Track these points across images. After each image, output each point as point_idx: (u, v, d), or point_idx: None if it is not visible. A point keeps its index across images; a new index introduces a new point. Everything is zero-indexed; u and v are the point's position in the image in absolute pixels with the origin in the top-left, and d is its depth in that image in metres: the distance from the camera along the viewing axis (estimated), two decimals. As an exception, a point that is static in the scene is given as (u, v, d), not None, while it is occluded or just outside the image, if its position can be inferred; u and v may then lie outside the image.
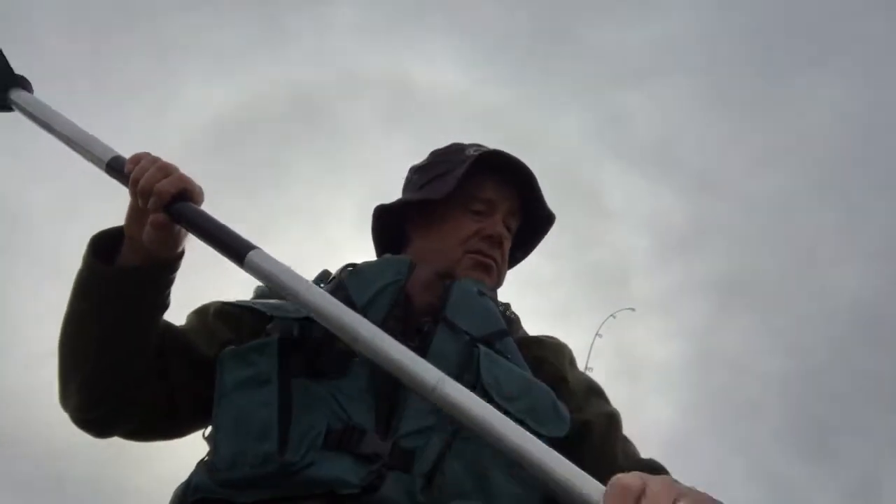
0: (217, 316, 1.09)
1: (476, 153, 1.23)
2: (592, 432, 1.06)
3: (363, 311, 1.02)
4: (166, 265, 1.01)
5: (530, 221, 1.31)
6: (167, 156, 0.99)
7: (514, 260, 1.37)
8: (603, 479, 0.69)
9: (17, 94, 1.15)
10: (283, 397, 0.93)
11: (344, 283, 1.08)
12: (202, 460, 0.97)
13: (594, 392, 1.15)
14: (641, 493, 0.62)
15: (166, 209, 0.94)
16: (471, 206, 1.23)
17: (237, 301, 1.10)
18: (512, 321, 1.19)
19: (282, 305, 1.05)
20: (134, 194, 0.95)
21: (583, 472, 0.70)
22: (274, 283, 0.88)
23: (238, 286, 1.18)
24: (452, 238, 1.21)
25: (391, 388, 0.97)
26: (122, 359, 0.99)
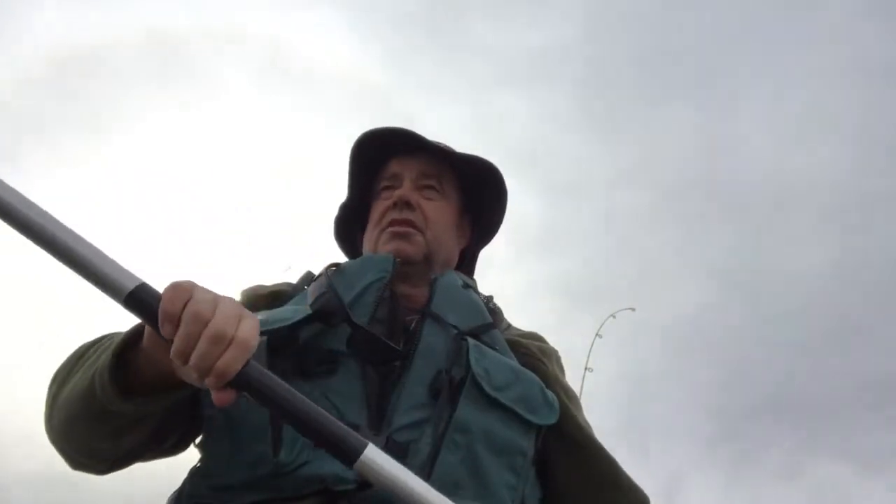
0: None
1: (354, 143, 1.25)
2: (579, 446, 1.07)
3: (349, 307, 1.01)
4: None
5: (475, 177, 1.28)
6: None
7: (494, 221, 1.34)
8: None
9: None
10: None
11: (332, 283, 1.06)
12: (194, 467, 0.96)
13: (574, 398, 1.14)
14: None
15: (231, 383, 0.74)
16: (381, 187, 1.25)
17: None
18: (495, 313, 1.18)
19: (270, 318, 0.99)
20: (183, 366, 0.74)
21: None
22: (389, 486, 0.75)
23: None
24: (372, 224, 1.23)
25: (382, 384, 0.98)
26: (144, 441, 0.94)
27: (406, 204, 1.18)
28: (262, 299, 1.13)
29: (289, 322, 0.96)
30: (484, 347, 1.03)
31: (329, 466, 0.87)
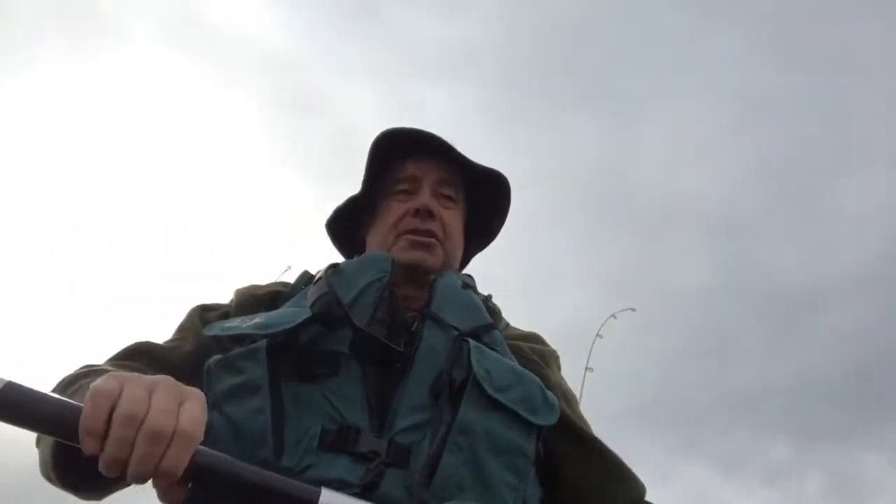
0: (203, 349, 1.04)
1: (376, 138, 1.22)
2: (581, 442, 1.08)
3: (349, 308, 1.01)
4: None
5: (482, 187, 1.29)
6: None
7: (491, 231, 1.36)
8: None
9: None
10: (275, 402, 0.91)
11: (331, 283, 1.05)
12: None
13: (572, 398, 1.15)
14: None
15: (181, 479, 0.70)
16: (396, 189, 1.23)
17: (222, 333, 1.02)
18: (494, 312, 1.18)
19: (270, 320, 0.99)
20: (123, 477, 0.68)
21: None
22: None
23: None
24: (385, 226, 1.21)
25: (383, 386, 0.97)
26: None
27: (428, 213, 1.18)
28: (258, 300, 1.13)
29: (289, 325, 0.96)
30: (485, 348, 1.03)
31: (332, 470, 0.87)
